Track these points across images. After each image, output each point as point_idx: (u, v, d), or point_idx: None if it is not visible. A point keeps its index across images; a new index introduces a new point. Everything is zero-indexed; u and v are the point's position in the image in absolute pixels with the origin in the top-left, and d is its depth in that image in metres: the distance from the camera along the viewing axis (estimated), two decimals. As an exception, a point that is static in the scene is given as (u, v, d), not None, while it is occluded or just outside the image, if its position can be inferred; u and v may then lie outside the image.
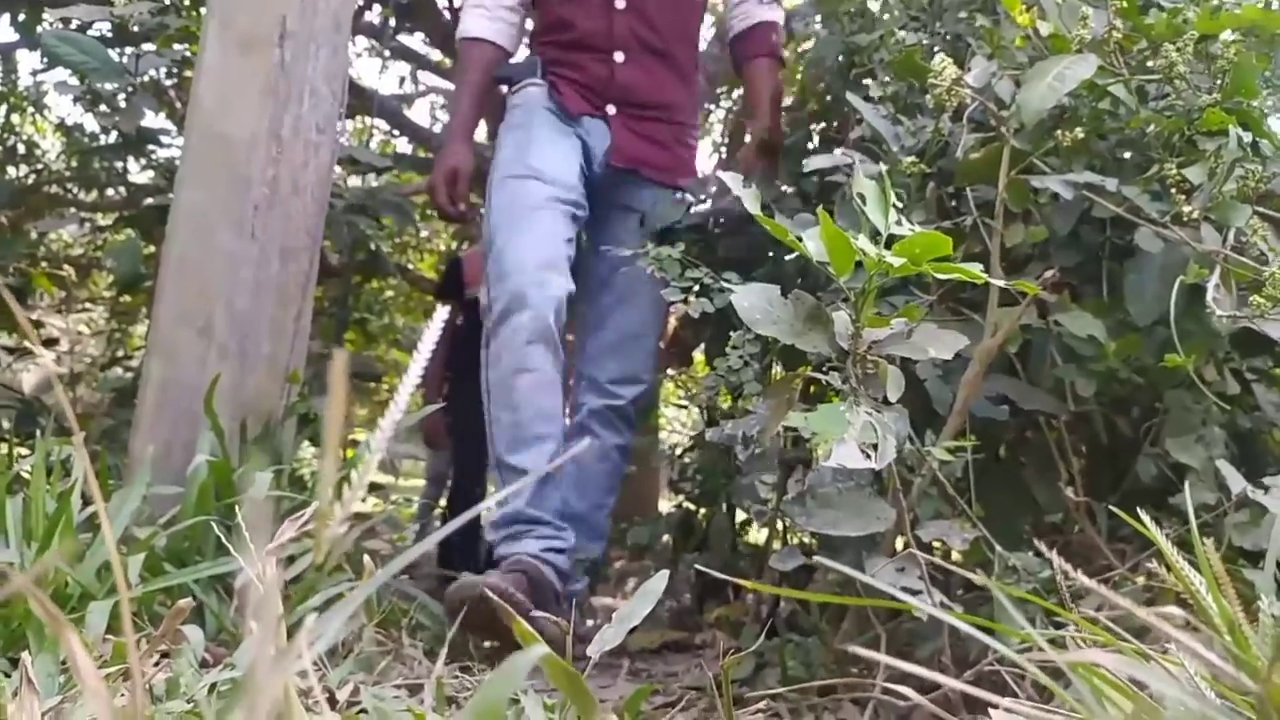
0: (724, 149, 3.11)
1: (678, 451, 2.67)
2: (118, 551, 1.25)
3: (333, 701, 1.00)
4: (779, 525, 2.01)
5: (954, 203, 1.55)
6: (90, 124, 3.12)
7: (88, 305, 4.22)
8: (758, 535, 2.34)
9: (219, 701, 0.88)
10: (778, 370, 1.70)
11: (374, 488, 2.96)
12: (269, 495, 1.44)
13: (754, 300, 1.12)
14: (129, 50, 2.43)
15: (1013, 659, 0.49)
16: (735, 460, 1.95)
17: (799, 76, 2.47)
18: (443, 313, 0.53)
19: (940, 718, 0.78)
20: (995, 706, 0.50)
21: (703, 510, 2.25)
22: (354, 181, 3.50)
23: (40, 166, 3.53)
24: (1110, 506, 1.02)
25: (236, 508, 1.45)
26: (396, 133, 5.51)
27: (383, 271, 3.51)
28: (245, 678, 0.75)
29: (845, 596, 1.24)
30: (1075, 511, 1.38)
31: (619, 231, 2.18)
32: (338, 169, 2.83)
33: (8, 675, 0.99)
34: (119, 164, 3.13)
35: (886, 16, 1.81)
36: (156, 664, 1.06)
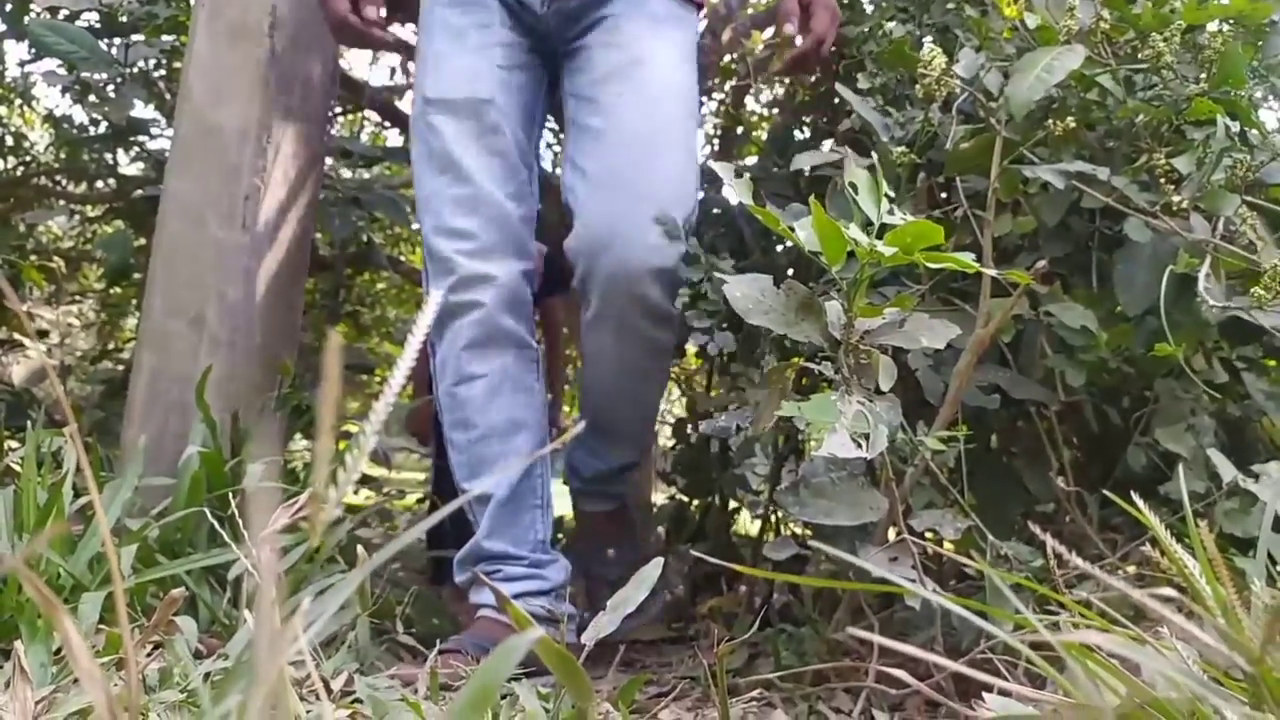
0: (715, 142, 3.10)
1: (669, 443, 2.66)
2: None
3: (328, 691, 1.00)
4: (772, 516, 2.02)
5: (944, 194, 1.56)
6: (79, 115, 3.10)
7: (78, 298, 4.20)
8: (750, 527, 2.34)
9: (213, 691, 0.88)
10: (770, 361, 1.71)
11: (366, 480, 2.96)
12: (261, 486, 1.44)
13: (746, 290, 1.12)
14: (118, 40, 2.42)
15: (1006, 642, 0.49)
16: (727, 451, 1.95)
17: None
18: (434, 303, 0.53)
19: (934, 703, 0.78)
20: (990, 689, 0.51)
21: (695, 502, 2.25)
22: (345, 174, 3.49)
23: (29, 158, 3.50)
24: (1105, 493, 1.03)
25: (229, 498, 1.45)
26: (387, 124, 5.49)
27: (375, 264, 3.51)
28: (241, 663, 0.75)
29: (839, 582, 1.25)
30: (1066, 501, 1.38)
31: (603, 56, 1.60)
32: (328, 160, 2.82)
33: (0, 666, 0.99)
34: (108, 155, 3.12)
35: (873, 9, 1.82)
36: (149, 655, 1.06)
